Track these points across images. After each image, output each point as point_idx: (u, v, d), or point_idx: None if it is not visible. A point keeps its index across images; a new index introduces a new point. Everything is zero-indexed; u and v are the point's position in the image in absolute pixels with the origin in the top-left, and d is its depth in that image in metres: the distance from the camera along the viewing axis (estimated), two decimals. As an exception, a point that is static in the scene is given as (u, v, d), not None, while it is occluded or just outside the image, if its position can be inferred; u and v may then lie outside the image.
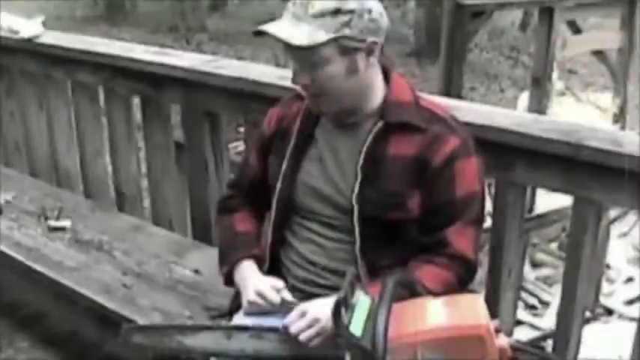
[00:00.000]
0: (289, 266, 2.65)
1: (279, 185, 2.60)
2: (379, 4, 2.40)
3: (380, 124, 2.45)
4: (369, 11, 2.34)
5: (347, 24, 2.31)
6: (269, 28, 2.35)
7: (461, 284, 2.44)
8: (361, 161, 2.44)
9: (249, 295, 2.55)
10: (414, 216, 2.44)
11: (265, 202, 2.71)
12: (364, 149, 2.45)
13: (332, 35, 2.30)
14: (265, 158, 2.72)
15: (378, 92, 2.49)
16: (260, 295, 2.52)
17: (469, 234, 2.47)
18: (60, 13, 16.11)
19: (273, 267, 2.68)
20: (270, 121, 2.74)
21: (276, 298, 2.51)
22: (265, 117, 2.78)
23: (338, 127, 2.54)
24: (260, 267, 2.66)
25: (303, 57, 2.36)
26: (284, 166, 2.58)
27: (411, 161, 2.42)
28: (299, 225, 2.62)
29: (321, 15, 2.29)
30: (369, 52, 2.38)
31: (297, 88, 2.54)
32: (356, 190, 2.44)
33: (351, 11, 2.31)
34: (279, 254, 2.69)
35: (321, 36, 2.30)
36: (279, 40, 2.33)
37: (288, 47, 2.33)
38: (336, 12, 2.30)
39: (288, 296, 2.53)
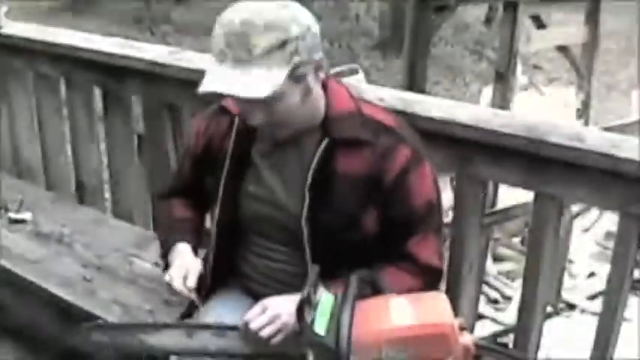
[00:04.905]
0: (244, 280, 2.60)
1: (217, 210, 2.50)
2: (309, 13, 2.23)
3: (325, 142, 2.33)
4: (309, 28, 2.18)
5: (295, 51, 2.14)
6: (216, 85, 2.17)
7: (427, 290, 2.36)
8: (309, 182, 2.33)
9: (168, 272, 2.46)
10: (372, 233, 2.37)
11: (206, 203, 2.64)
12: (311, 169, 2.33)
13: (286, 70, 2.13)
14: (200, 170, 2.61)
15: (320, 104, 2.35)
16: (170, 278, 2.42)
17: (432, 243, 2.43)
18: (24, 4, 15.98)
19: (216, 284, 2.62)
20: (197, 136, 2.61)
21: (180, 289, 2.40)
22: (192, 128, 2.69)
23: (277, 146, 2.41)
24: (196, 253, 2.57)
25: (257, 100, 2.16)
26: (220, 191, 2.48)
27: (363, 179, 2.32)
28: (249, 242, 2.55)
29: (269, 52, 2.11)
30: (318, 69, 2.26)
31: (228, 105, 2.49)
32: (304, 212, 2.35)
33: (296, 37, 2.14)
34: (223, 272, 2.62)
35: (278, 75, 2.12)
36: (235, 98, 2.20)
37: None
38: (284, 44, 2.12)
39: (192, 295, 2.43)
